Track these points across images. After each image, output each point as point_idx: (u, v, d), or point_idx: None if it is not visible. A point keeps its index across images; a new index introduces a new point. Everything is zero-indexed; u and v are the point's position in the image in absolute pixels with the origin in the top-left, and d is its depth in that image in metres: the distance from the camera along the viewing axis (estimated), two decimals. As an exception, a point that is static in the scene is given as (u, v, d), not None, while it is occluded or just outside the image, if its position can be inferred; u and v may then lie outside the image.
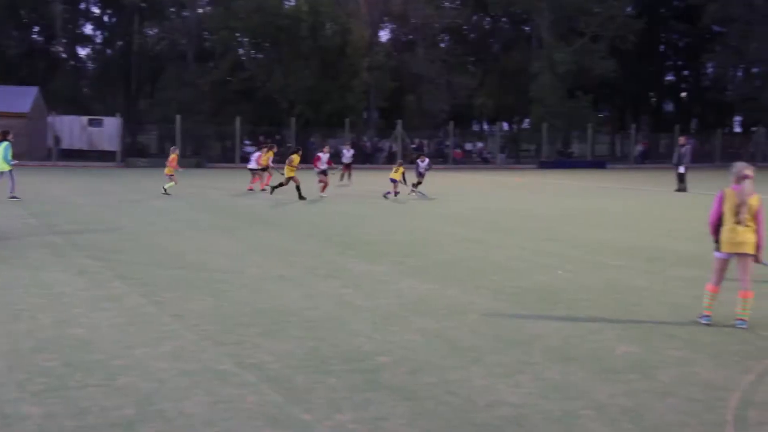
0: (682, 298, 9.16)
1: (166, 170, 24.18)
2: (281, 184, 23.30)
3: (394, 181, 24.29)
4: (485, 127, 74.54)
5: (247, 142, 51.58)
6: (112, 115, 48.65)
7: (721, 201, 7.86)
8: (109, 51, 64.69)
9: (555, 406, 5.45)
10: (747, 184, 7.72)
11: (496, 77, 64.45)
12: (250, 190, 25.99)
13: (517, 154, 63.84)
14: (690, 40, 74.97)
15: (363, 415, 5.28)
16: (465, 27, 66.88)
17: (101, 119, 49.00)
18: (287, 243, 13.83)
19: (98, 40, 65.73)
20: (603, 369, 6.31)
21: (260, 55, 56.64)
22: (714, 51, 66.54)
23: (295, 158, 23.31)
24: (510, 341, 7.17)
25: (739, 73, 71.02)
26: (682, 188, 27.79)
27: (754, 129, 65.45)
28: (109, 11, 63.89)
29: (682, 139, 29.18)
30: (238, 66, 54.85)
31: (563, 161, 57.52)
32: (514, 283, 10.06)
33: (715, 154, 59.84)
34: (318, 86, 51.09)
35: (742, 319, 7.77)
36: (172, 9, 62.12)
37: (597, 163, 57.06)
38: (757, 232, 7.73)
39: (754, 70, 67.97)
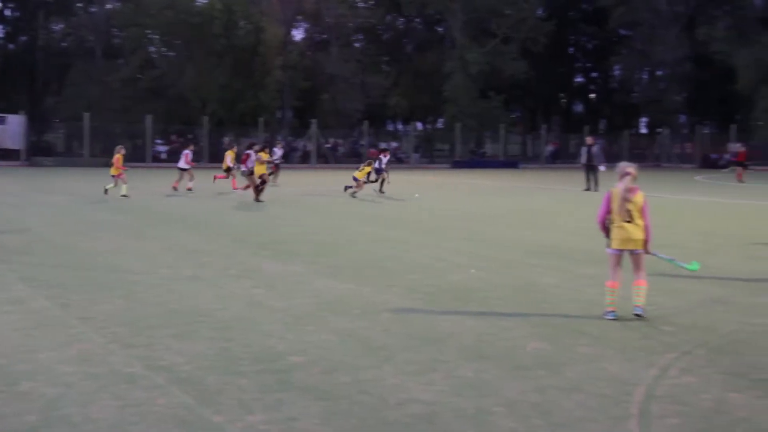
0: (591, 295, 9.33)
1: (112, 170, 23.13)
2: (264, 183, 22.48)
3: (356, 179, 24.41)
4: (399, 126, 74.97)
5: (158, 141, 50.70)
6: (16, 112, 47.15)
7: (609, 200, 8.16)
8: (11, 46, 62.62)
9: (467, 403, 5.49)
10: (626, 180, 8.02)
11: (410, 77, 64.88)
12: (175, 189, 25.34)
13: (431, 153, 64.38)
14: (598, 43, 76.97)
15: (275, 415, 5.22)
16: (379, 27, 67.17)
17: (4, 116, 47.46)
18: (201, 243, 13.61)
19: (-1, 34, 63.66)
20: (514, 366, 6.39)
21: (172, 53, 55.75)
22: (621, 54, 68.43)
23: (264, 155, 22.90)
24: (423, 340, 7.19)
25: (645, 76, 73.17)
26: (593, 188, 28.44)
27: (659, 130, 67.51)
28: (11, 5, 61.89)
29: (589, 139, 29.89)
30: (148, 63, 53.88)
31: (476, 161, 58.31)
32: (428, 282, 10.11)
33: (622, 155, 61.43)
34: (231, 85, 50.60)
35: (638, 306, 8.07)
36: (80, 4, 60.62)
37: (509, 163, 58.02)
38: (645, 227, 8.04)
39: (659, 72, 70.16)
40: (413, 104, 65.04)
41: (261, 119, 50.34)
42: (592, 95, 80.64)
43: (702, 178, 42.01)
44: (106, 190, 22.71)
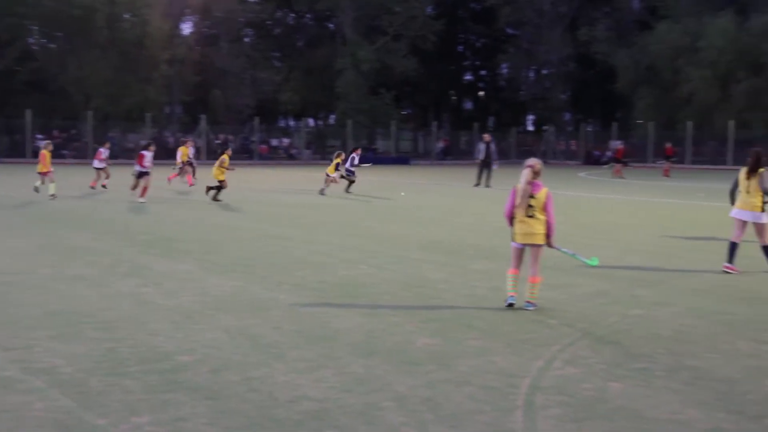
0: (480, 290, 9.52)
1: (39, 167, 21.56)
2: (220, 188, 21.64)
3: (327, 175, 24.42)
4: (291, 122, 74.57)
5: (39, 136, 48.86)
6: None
7: (514, 194, 8.36)
8: None
9: (357, 399, 5.51)
10: (525, 173, 8.25)
11: (301, 73, 64.61)
12: (92, 187, 24.31)
13: (323, 150, 64.33)
14: (487, 42, 78.49)
15: (161, 416, 5.11)
16: (269, 22, 66.56)
17: None
18: (87, 242, 13.20)
19: None
20: (404, 361, 6.44)
21: (53, 45, 53.79)
22: (508, 52, 69.95)
23: (226, 159, 22.02)
24: (313, 337, 7.18)
25: (531, 75, 75.04)
26: (483, 184, 28.98)
27: (545, 128, 69.36)
28: None
29: (487, 136, 30.36)
30: (27, 55, 51.79)
31: (368, 157, 58.53)
32: (318, 279, 10.09)
33: (510, 152, 62.86)
34: (116, 79, 49.23)
35: (530, 302, 8.34)
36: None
37: (401, 160, 58.54)
38: (547, 222, 8.27)
39: (544, 71, 72.10)
40: (305, 100, 64.81)
41: (148, 115, 49.17)
42: (481, 93, 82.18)
43: (585, 174, 43.35)
44: (36, 188, 21.53)
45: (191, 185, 25.62)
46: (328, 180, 24.61)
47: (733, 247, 11.04)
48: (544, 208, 8.25)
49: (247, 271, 10.58)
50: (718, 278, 10.45)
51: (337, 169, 25.08)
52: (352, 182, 25.57)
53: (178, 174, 27.03)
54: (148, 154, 21.12)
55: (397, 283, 9.97)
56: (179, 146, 27.91)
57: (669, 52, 55.10)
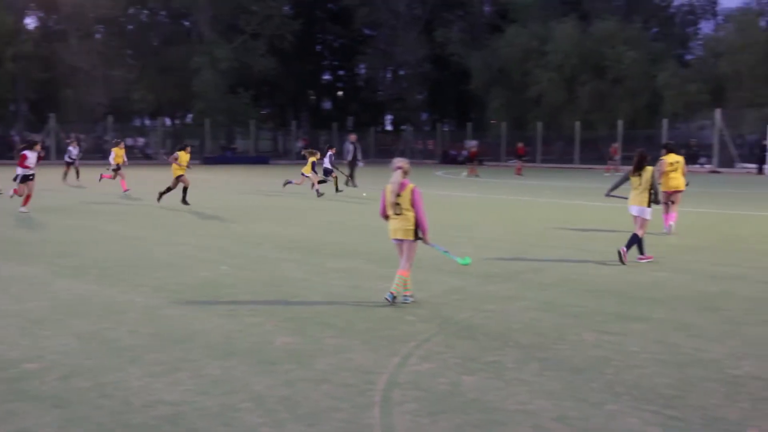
0: (339, 288, 9.59)
1: None
2: (169, 189, 20.66)
3: (303, 175, 24.01)
4: (147, 121, 72.62)
5: None
6: None
7: (384, 195, 8.64)
8: None
9: (213, 401, 5.45)
10: (395, 175, 8.50)
11: (155, 71, 62.90)
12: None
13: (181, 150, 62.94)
14: (344, 42, 78.95)
15: (6, 427, 4.90)
16: (122, 19, 64.50)
17: None
18: None
19: None
20: (263, 361, 6.43)
21: None
22: (366, 53, 70.62)
23: (183, 156, 20.75)
24: (170, 339, 7.05)
25: (389, 75, 76.05)
26: (351, 183, 29.11)
27: (403, 127, 70.44)
28: None
29: (353, 136, 30.52)
30: None
31: (227, 157, 57.81)
32: (176, 280, 9.91)
33: (370, 151, 63.50)
34: (-45, 75, 46.66)
35: (391, 292, 8.61)
36: None
37: (260, 159, 58.09)
38: (416, 218, 8.52)
39: (401, 72, 73.19)
40: (160, 99, 63.15)
41: (-8, 112, 46.86)
42: (340, 93, 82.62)
43: (442, 173, 44.26)
44: None
45: (126, 190, 24.35)
46: (302, 179, 24.23)
47: (638, 240, 11.84)
48: (412, 205, 8.50)
49: (103, 274, 10.27)
50: (567, 272, 10.91)
51: (313, 169, 24.56)
52: (337, 179, 25.57)
53: (113, 177, 25.77)
54: (31, 155, 18.27)
55: (257, 282, 9.91)
56: (114, 147, 26.33)
57: (519, 55, 57.08)
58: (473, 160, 41.16)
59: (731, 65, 48.09)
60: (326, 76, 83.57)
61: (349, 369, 6.27)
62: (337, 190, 25.59)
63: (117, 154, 25.52)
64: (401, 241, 8.66)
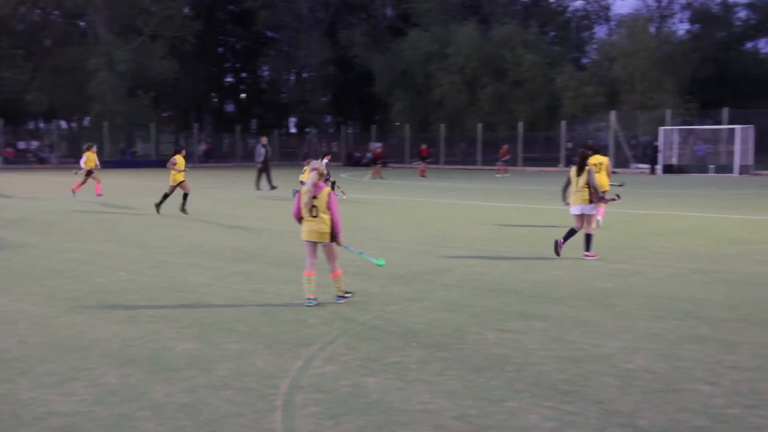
0: (241, 293, 9.49)
1: None
2: (166, 196, 19.73)
3: (302, 183, 22.36)
4: (41, 124, 70.32)
5: None
6: None
7: (299, 197, 8.70)
8: None
9: (110, 411, 5.32)
10: (311, 176, 8.67)
11: (48, 73, 60.89)
12: None
13: (78, 153, 61.21)
14: (247, 44, 78.25)
15: None
16: (11, 18, 62.18)
17: None
18: None
19: None
20: (162, 368, 6.30)
21: None
22: (269, 55, 70.14)
23: (180, 160, 19.86)
24: (63, 348, 6.84)
25: (292, 77, 75.73)
26: (268, 186, 28.64)
27: (307, 130, 70.23)
28: None
29: (264, 139, 29.99)
30: None
31: (126, 161, 56.54)
32: (71, 287, 9.63)
33: (274, 154, 63.04)
34: None
35: (340, 296, 8.91)
36: None
37: (162, 163, 56.81)
38: (332, 220, 8.63)
39: (305, 74, 72.99)
40: (55, 101, 61.18)
41: None
42: (243, 95, 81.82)
43: (347, 175, 44.28)
44: None
45: (99, 195, 23.70)
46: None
47: (588, 237, 12.26)
48: (328, 207, 8.61)
49: (-9, 284, 9.90)
50: (469, 273, 11.06)
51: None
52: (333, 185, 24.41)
53: (83, 183, 24.82)
54: None
55: (157, 288, 9.72)
56: (84, 151, 25.26)
57: (421, 58, 57.63)
58: (378, 162, 41.39)
59: (624, 69, 49.64)
60: (229, 79, 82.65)
61: (251, 374, 6.21)
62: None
63: (89, 158, 24.70)
64: (314, 243, 8.74)
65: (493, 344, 7.13)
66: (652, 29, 55.77)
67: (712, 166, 42.48)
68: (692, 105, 48.44)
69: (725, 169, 41.60)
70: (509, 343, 7.14)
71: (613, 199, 13.28)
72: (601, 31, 69.28)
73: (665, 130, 44.23)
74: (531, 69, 52.98)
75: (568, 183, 12.61)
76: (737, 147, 41.66)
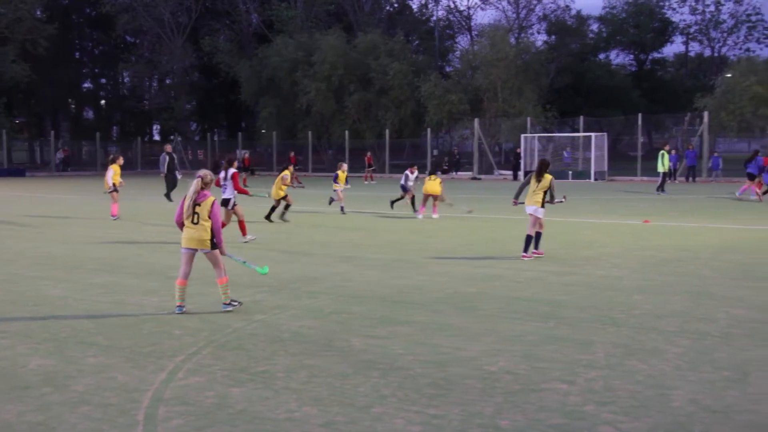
0: (102, 305, 9.18)
1: None
2: (273, 209, 19.56)
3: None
4: None
5: None
6: None
7: (183, 203, 8.69)
8: None
9: (-43, 434, 5.04)
10: (195, 183, 8.64)
11: None
12: None
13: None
14: (106, 49, 75.92)
15: None
16: None
17: None
18: None
19: None
20: (13, 387, 6.01)
21: None
22: (129, 61, 68.27)
23: (288, 174, 19.53)
24: None
25: (155, 84, 73.98)
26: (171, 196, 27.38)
27: (171, 137, 68.71)
28: None
29: (168, 147, 28.53)
30: None
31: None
32: None
33: (136, 162, 61.43)
34: None
35: (226, 303, 8.84)
36: None
37: (15, 171, 54.48)
38: (213, 228, 8.64)
39: (168, 81, 71.44)
40: None
41: None
42: (103, 101, 79.29)
43: (212, 183, 43.60)
44: None
45: (116, 216, 20.43)
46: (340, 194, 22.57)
47: (528, 239, 13.01)
48: (209, 216, 8.59)
49: None
50: (336, 280, 11.07)
51: (346, 182, 22.89)
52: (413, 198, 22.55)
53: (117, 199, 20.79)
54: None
55: (7, 303, 9.28)
56: (110, 164, 21.03)
57: (287, 65, 57.38)
58: (246, 169, 41.02)
59: (486, 77, 50.93)
60: (87, 84, 79.87)
61: (111, 388, 6.00)
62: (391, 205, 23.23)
63: (116, 172, 20.66)
64: (193, 251, 8.68)
65: (360, 350, 7.16)
66: (511, 39, 57.47)
67: (570, 172, 44.15)
68: (551, 113, 50.19)
69: (582, 175, 43.30)
70: (375, 349, 7.18)
71: (560, 201, 13.95)
72: (463, 41, 71.05)
73: (526, 137, 45.67)
74: (396, 77, 53.62)
75: (524, 185, 13.44)
76: (593, 154, 43.45)
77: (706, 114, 42.32)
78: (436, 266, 12.22)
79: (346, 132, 54.43)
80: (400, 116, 55.17)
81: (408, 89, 54.12)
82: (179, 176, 28.08)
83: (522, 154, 45.18)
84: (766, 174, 26.54)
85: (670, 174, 35.54)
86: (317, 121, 57.60)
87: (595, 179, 42.36)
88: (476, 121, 49.39)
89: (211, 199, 8.66)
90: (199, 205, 8.59)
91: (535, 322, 8.24)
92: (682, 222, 18.68)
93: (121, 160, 21.23)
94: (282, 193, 19.39)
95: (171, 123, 69.64)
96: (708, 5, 66.53)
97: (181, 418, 5.37)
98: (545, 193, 13.10)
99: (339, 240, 15.92)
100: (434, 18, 70.80)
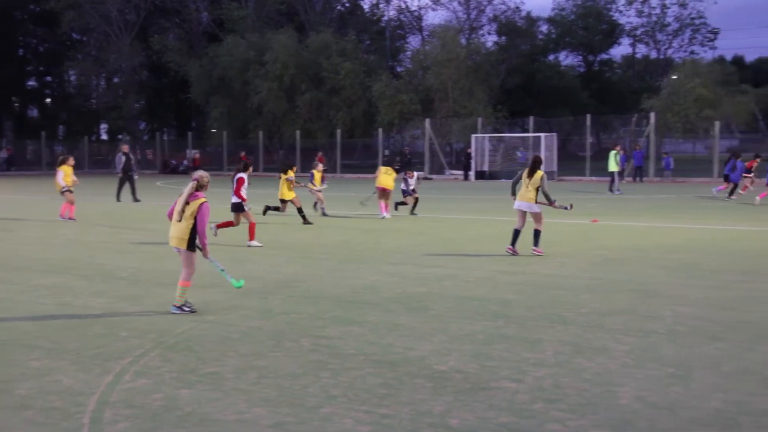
0: (47, 307, 9.02)
1: None
2: (300, 210, 18.78)
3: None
4: None
5: None
6: None
7: (177, 199, 8.78)
8: None
9: None
10: (190, 185, 8.70)
11: None
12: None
13: None
14: (51, 46, 74.56)
15: None
16: None
17: None
18: None
19: None
20: (-45, 391, 5.88)
21: None
22: (76, 59, 67.14)
23: (293, 175, 19.07)
24: None
25: (102, 82, 72.90)
26: (132, 197, 26.70)
27: (120, 137, 67.76)
28: None
29: (125, 147, 27.88)
30: None
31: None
32: None
33: (83, 162, 60.49)
34: None
35: (177, 306, 8.75)
36: None
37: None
38: (197, 230, 8.66)
39: (116, 79, 70.43)
40: None
41: None
42: (48, 100, 77.90)
43: (162, 183, 43.19)
44: None
45: (72, 218, 19.78)
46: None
47: (516, 233, 13.34)
48: (194, 216, 8.62)
49: None
50: (286, 280, 11.02)
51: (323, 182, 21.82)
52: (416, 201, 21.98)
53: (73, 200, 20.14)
54: None
55: (-51, 306, 9.06)
56: (61, 164, 20.43)
57: (238, 65, 56.95)
58: (195, 169, 40.64)
59: (437, 78, 51.10)
60: (32, 82, 78.37)
61: (55, 392, 5.90)
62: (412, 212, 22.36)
63: (66, 173, 20.14)
64: (178, 249, 8.77)
65: (310, 351, 7.13)
66: (462, 40, 57.75)
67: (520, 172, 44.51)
68: (501, 114, 50.56)
69: (532, 175, 43.64)
70: (326, 350, 7.16)
71: (565, 208, 14.00)
72: (414, 41, 71.13)
73: (477, 137, 45.95)
74: (348, 77, 53.54)
75: (517, 180, 13.60)
76: (542, 154, 43.86)
77: (652, 115, 42.99)
78: (387, 266, 12.24)
79: (297, 132, 54.22)
80: (351, 116, 55.12)
81: (359, 89, 54.09)
82: (136, 177, 27.58)
83: (473, 154, 45.44)
84: (735, 174, 26.91)
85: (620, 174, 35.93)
86: (268, 121, 57.27)
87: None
88: (427, 121, 49.56)
89: (200, 200, 8.68)
90: (188, 203, 8.68)
91: (485, 321, 8.29)
92: (630, 222, 18.97)
93: (71, 161, 20.77)
94: (293, 195, 18.83)
95: (119, 122, 68.64)
96: (654, 8, 67.53)
97: (127, 421, 5.30)
98: (537, 190, 13.23)
99: (289, 240, 15.87)
100: (385, 18, 70.81)
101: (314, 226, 18.42)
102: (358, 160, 56.81)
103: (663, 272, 11.47)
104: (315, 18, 63.57)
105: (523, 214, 13.41)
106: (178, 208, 8.69)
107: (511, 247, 13.39)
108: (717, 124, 41.18)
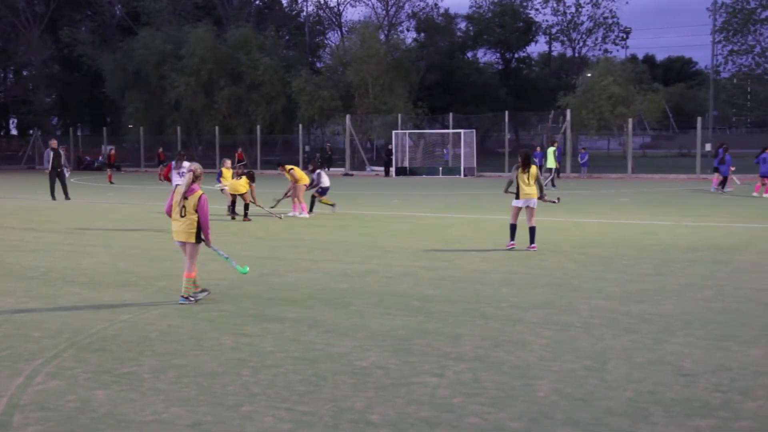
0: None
1: None
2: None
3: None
4: None
5: None
6: None
7: (173, 195, 9.00)
8: None
9: None
10: (187, 176, 8.92)
11: None
12: None
13: None
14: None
15: None
16: None
17: None
18: None
19: None
20: None
21: None
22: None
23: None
24: None
25: (11, 76, 70.77)
26: (63, 196, 25.77)
27: (31, 132, 65.88)
28: None
29: (54, 142, 26.88)
30: None
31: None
32: None
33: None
34: None
35: (184, 296, 8.97)
36: None
37: None
38: (200, 222, 8.86)
39: (25, 73, 68.46)
40: None
41: None
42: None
43: (77, 180, 42.12)
44: None
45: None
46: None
47: (513, 228, 13.40)
48: (195, 209, 8.81)
49: None
50: (204, 278, 10.85)
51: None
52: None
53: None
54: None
55: None
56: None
57: (154, 58, 55.95)
58: (112, 165, 39.91)
59: (357, 74, 51.09)
60: None
61: (-38, 396, 5.69)
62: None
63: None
64: (183, 243, 8.92)
65: (230, 349, 7.05)
66: (381, 36, 57.88)
67: (440, 168, 44.90)
68: (421, 110, 50.87)
69: (452, 171, 44.11)
70: (246, 347, 7.08)
71: (553, 202, 14.04)
72: (334, 37, 71.04)
73: (397, 133, 46.14)
74: (267, 72, 53.11)
75: (511, 180, 13.40)
76: (462, 150, 44.34)
77: (568, 112, 43.84)
78: (307, 263, 12.18)
79: (216, 128, 53.57)
80: (271, 112, 54.74)
81: (279, 85, 53.74)
82: (67, 173, 26.73)
83: (393, 151, 45.61)
84: (724, 167, 27.57)
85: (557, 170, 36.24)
86: (186, 117, 56.45)
87: (465, 175, 43.22)
88: (348, 117, 49.55)
89: (198, 193, 8.86)
90: (186, 198, 8.82)
91: (406, 316, 8.31)
92: (547, 217, 19.28)
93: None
94: (244, 189, 18.88)
95: (30, 117, 66.72)
96: (569, 7, 68.93)
97: (38, 424, 5.14)
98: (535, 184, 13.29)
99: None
100: (304, 13, 70.51)
101: (234, 223, 18.23)
102: (279, 157, 56.46)
103: (579, 266, 11.71)
104: (232, 12, 62.88)
105: (519, 210, 13.45)
106: (177, 203, 8.84)
107: (511, 243, 13.44)
108: (630, 121, 42.28)
